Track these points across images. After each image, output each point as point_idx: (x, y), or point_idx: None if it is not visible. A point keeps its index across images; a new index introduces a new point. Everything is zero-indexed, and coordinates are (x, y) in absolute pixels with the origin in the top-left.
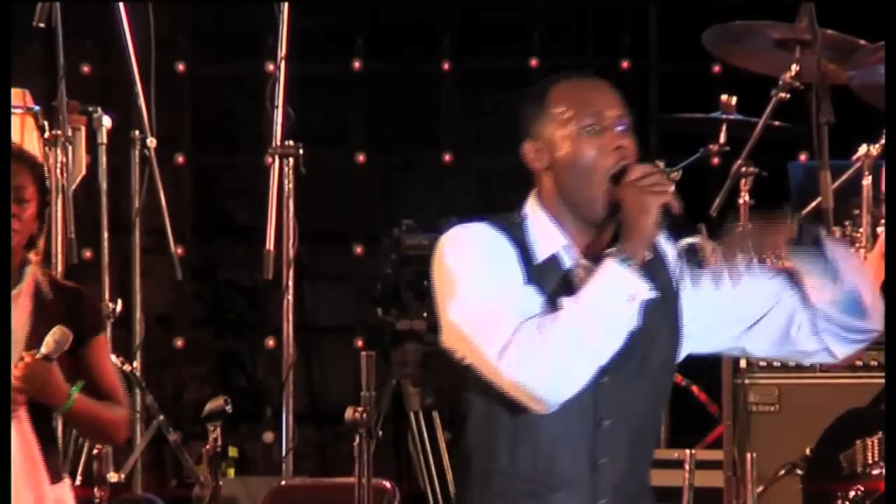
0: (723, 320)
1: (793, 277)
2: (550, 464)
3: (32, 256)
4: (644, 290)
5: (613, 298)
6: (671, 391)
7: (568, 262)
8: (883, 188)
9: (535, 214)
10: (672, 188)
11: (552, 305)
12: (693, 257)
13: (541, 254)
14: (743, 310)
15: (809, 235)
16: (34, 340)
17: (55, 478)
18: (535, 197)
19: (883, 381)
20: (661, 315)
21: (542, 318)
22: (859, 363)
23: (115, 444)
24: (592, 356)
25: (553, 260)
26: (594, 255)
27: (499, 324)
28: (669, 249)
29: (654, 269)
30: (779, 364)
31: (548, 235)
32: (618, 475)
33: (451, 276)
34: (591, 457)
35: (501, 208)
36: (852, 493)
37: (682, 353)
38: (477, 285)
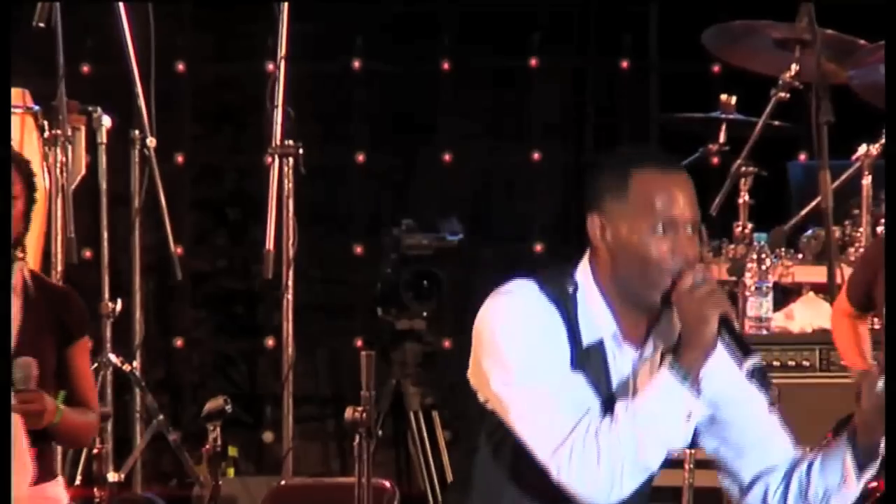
0: (731, 440)
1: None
2: None
3: (19, 254)
4: (698, 409)
5: (671, 415)
6: None
7: (611, 348)
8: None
9: (588, 287)
10: (726, 298)
11: (597, 392)
12: (762, 378)
13: (588, 336)
14: (747, 443)
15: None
16: (23, 338)
17: (48, 476)
18: (589, 266)
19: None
20: None
21: (599, 426)
22: None
23: (82, 448)
24: (643, 469)
25: (599, 346)
26: (635, 339)
27: (554, 420)
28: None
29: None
30: (778, 364)
31: (597, 317)
32: None
33: (499, 348)
34: None
35: (500, 209)
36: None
37: None
38: (530, 367)
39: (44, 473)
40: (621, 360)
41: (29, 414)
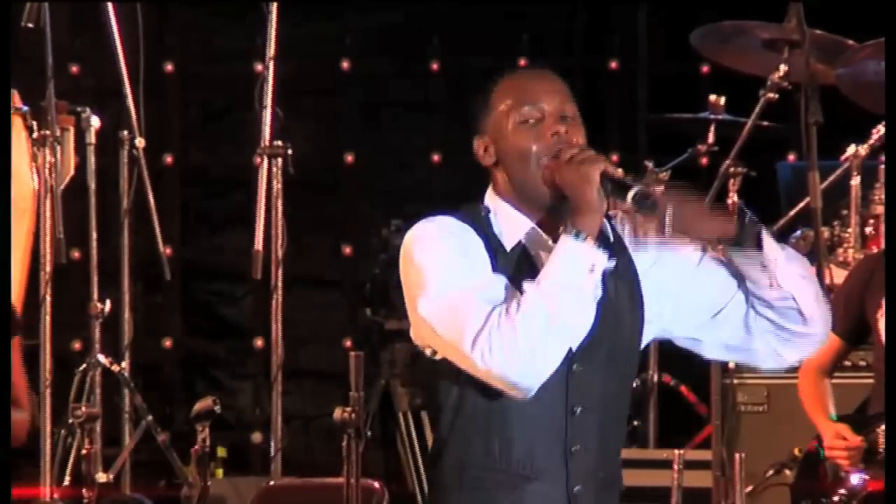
0: (687, 303)
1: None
2: (525, 453)
3: None
4: (603, 260)
5: (574, 272)
6: (661, 392)
7: (536, 247)
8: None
9: (497, 205)
10: (601, 156)
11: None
12: (646, 202)
13: (509, 242)
14: (705, 296)
15: (750, 232)
16: None
17: None
18: (492, 190)
19: (870, 381)
20: (624, 299)
21: (510, 304)
22: (847, 363)
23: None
24: (563, 333)
25: (522, 247)
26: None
27: (469, 314)
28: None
29: (613, 252)
30: None
31: (514, 223)
32: (590, 462)
33: (419, 272)
34: (565, 445)
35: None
36: (836, 498)
37: (647, 338)
38: (446, 278)
39: None
40: (547, 255)
41: None
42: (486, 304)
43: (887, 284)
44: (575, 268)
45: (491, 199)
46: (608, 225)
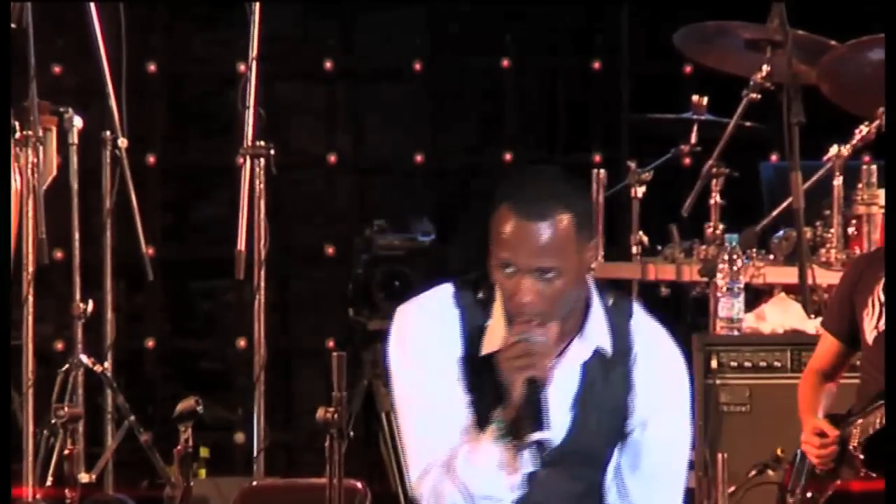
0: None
1: None
2: None
3: None
4: (522, 463)
5: (497, 474)
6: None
7: None
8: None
9: (498, 296)
10: (537, 360)
11: (487, 400)
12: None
13: (488, 345)
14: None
15: None
16: None
17: None
18: None
19: (855, 382)
20: (607, 409)
21: (448, 468)
22: None
23: None
24: None
25: (494, 358)
26: None
27: (422, 449)
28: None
29: (613, 362)
30: (749, 364)
31: (499, 327)
32: None
33: (391, 366)
34: None
35: (471, 210)
36: (809, 493)
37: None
38: (406, 394)
39: None
40: None
41: None
42: (440, 439)
43: (887, 285)
44: (497, 470)
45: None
46: (608, 333)
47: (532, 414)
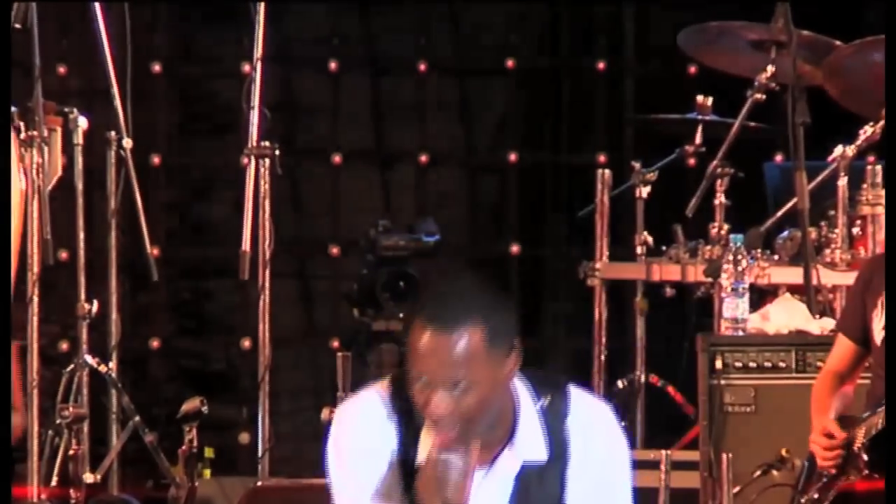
0: None
1: None
2: None
3: None
4: None
5: None
6: (648, 392)
7: None
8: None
9: None
10: (452, 487)
11: None
12: None
13: (422, 453)
14: None
15: None
16: None
17: None
18: None
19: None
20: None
21: None
22: None
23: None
24: None
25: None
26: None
27: None
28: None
29: (547, 466)
30: (754, 365)
31: (427, 437)
32: None
33: (329, 471)
34: None
35: (476, 210)
36: (816, 495)
37: None
38: (345, 499)
39: None
40: None
41: None
42: None
43: (887, 285)
44: None
45: None
46: (542, 436)
47: None
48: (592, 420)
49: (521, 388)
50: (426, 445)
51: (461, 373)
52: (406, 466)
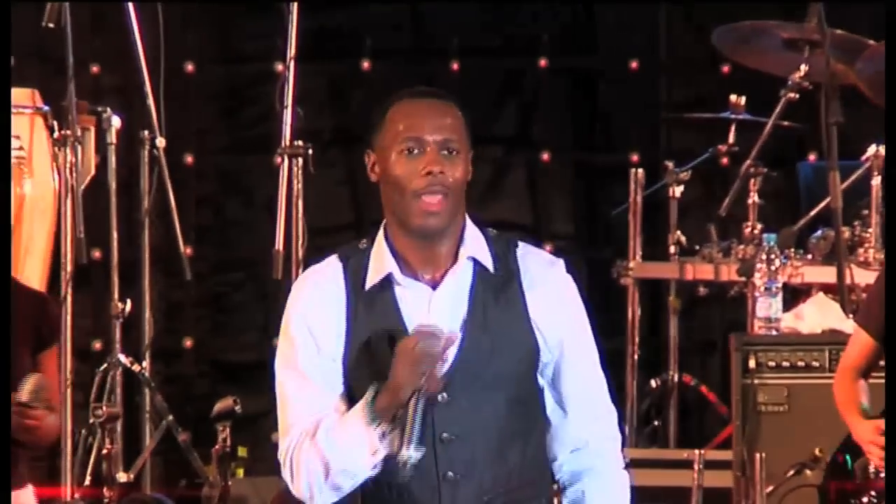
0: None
1: None
2: (401, 484)
3: None
4: (384, 449)
5: (356, 451)
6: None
7: (398, 285)
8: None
9: (379, 235)
10: (431, 373)
11: (381, 331)
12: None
13: (371, 279)
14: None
15: None
16: None
17: (18, 483)
18: (384, 211)
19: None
20: (505, 328)
21: (311, 441)
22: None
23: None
24: (333, 489)
25: (383, 285)
26: (428, 274)
27: (288, 424)
28: (531, 262)
29: (500, 283)
30: (787, 364)
31: (380, 260)
32: (470, 490)
33: (281, 328)
34: (437, 472)
35: (509, 209)
36: (865, 499)
37: (543, 369)
38: (288, 363)
39: (13, 480)
40: (412, 295)
41: (21, 427)
42: (306, 416)
43: (887, 284)
44: (359, 447)
45: (382, 226)
46: (490, 254)
47: (408, 428)
48: (539, 253)
49: (469, 220)
50: (377, 270)
51: (454, 136)
52: (355, 297)
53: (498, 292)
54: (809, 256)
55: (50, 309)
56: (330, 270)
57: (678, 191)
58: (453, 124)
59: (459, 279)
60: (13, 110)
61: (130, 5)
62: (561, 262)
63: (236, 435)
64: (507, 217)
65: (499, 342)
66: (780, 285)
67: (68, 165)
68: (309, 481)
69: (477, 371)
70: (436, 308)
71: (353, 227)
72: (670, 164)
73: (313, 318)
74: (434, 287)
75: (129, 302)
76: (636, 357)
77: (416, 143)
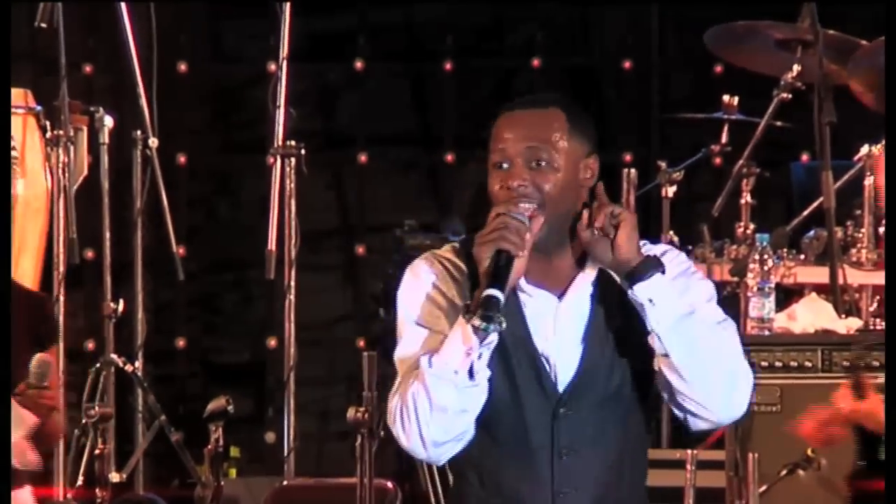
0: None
1: None
2: (512, 492)
3: None
4: (481, 345)
5: (453, 352)
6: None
7: (524, 294)
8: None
9: None
10: (511, 234)
11: (506, 334)
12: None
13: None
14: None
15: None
16: None
17: (17, 482)
18: None
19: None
20: (622, 344)
21: (414, 373)
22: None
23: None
24: (441, 413)
25: (514, 293)
26: (552, 284)
27: (401, 382)
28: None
29: (616, 298)
30: (780, 364)
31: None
32: None
33: (398, 316)
34: (552, 489)
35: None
36: None
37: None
38: (409, 335)
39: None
40: (537, 305)
41: (39, 407)
42: (413, 371)
43: (887, 285)
44: (455, 346)
45: None
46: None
47: (492, 273)
48: (656, 249)
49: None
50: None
51: (541, 143)
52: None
53: (623, 297)
54: (802, 256)
55: (49, 309)
56: (447, 264)
57: (671, 191)
58: (543, 135)
59: (582, 291)
60: None
61: (123, 5)
62: (671, 249)
63: (229, 435)
64: None
65: (613, 359)
66: (772, 285)
67: (61, 165)
68: (415, 416)
69: (591, 387)
70: (561, 318)
71: (340, 231)
72: (663, 164)
73: (438, 292)
74: (560, 297)
75: (121, 302)
76: None
77: (503, 157)
